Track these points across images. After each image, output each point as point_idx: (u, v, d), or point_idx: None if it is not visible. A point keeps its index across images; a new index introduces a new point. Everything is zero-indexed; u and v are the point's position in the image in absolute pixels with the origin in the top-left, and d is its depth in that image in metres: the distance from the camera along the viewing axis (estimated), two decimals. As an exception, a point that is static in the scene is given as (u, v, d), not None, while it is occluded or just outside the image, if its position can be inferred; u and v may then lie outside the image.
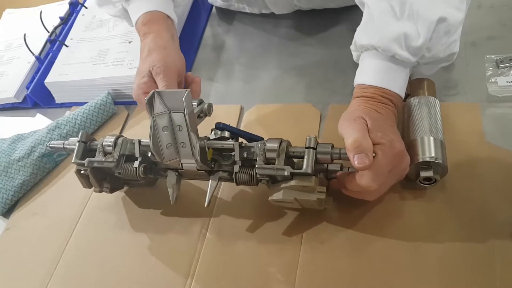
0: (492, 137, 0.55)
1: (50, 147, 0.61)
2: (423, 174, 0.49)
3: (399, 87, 0.53)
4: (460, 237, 0.48)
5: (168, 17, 0.67)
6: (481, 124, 0.56)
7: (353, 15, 0.59)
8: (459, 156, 0.54)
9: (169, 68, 0.60)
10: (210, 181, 0.53)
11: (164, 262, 0.54)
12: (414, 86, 0.57)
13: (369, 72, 0.53)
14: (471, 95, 0.61)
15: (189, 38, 0.82)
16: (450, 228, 0.49)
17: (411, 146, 0.51)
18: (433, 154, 0.49)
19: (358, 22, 0.56)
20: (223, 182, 0.57)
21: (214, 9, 0.87)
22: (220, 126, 0.54)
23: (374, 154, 0.45)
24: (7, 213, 0.65)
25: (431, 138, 0.50)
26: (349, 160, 0.46)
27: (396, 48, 0.50)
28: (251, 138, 0.54)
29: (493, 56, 0.63)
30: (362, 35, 0.54)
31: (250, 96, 0.71)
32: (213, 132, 0.55)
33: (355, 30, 0.55)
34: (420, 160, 0.49)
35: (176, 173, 0.55)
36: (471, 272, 0.46)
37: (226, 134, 0.54)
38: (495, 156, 0.53)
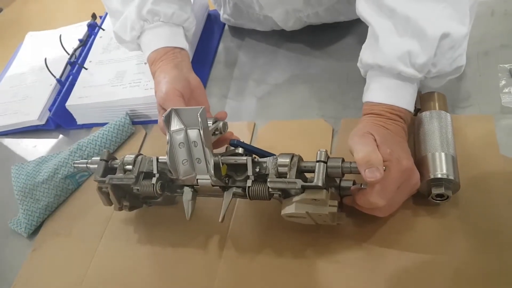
0: (507, 150, 0.54)
1: (74, 166, 0.64)
2: (435, 191, 0.49)
3: (407, 102, 0.53)
4: (475, 252, 0.48)
5: (175, 47, 0.67)
6: (495, 136, 0.56)
7: (363, 27, 0.59)
8: (472, 169, 0.53)
9: (169, 98, 0.60)
10: (224, 196, 0.54)
11: (185, 279, 0.56)
12: (425, 100, 0.57)
13: (376, 90, 0.53)
14: (484, 106, 0.60)
15: (203, 55, 0.84)
16: (464, 244, 0.49)
17: (422, 163, 0.51)
18: (444, 171, 0.49)
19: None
20: (238, 199, 0.58)
21: (226, 26, 0.89)
22: (234, 143, 0.55)
23: (384, 168, 0.46)
24: (33, 234, 0.68)
25: (442, 154, 0.50)
26: (360, 174, 0.46)
27: (401, 66, 0.50)
28: (263, 154, 0.55)
29: (506, 66, 0.62)
30: (366, 54, 0.54)
31: (263, 112, 0.72)
32: (226, 149, 0.56)
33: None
34: (432, 177, 0.49)
35: (192, 189, 0.56)
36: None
37: (240, 150, 0.55)
38: (510, 169, 0.52)
